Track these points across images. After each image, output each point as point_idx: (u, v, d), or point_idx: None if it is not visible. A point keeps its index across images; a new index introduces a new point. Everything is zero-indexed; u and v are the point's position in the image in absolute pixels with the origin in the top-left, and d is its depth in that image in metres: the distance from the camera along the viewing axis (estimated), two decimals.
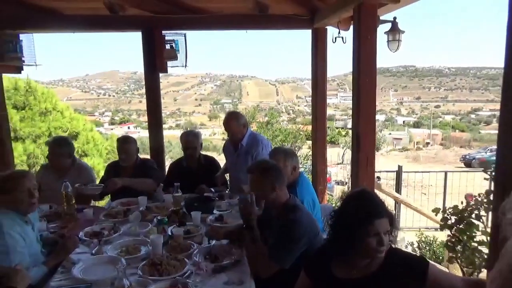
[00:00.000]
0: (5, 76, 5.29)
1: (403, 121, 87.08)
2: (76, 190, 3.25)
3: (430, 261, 1.62)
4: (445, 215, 2.02)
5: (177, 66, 4.33)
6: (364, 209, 1.63)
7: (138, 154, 3.78)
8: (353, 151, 3.27)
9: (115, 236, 2.67)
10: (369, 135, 3.07)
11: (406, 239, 6.56)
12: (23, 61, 4.10)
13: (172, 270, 2.11)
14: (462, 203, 2.04)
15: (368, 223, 1.59)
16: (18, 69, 4.27)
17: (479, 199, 1.95)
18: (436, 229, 6.62)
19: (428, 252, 5.90)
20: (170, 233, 2.60)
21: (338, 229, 1.70)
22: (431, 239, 6.08)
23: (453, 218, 2.03)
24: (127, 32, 4.57)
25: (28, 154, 8.11)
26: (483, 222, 1.95)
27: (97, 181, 3.87)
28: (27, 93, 9.01)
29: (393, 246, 1.72)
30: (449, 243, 2.03)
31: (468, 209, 1.96)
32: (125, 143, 3.67)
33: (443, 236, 6.03)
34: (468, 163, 26.80)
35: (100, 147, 9.73)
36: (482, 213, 1.95)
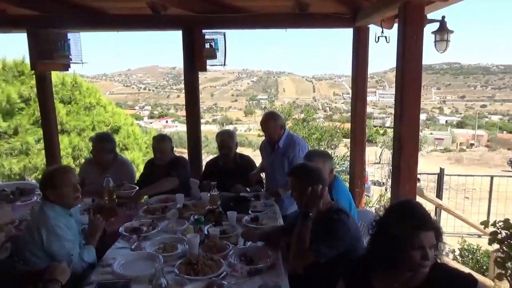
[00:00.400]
0: (54, 72, 5.54)
1: (446, 121, 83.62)
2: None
3: (479, 280, 1.52)
4: (495, 228, 1.90)
5: (216, 65, 4.36)
6: (410, 221, 1.55)
7: (173, 151, 3.82)
8: (394, 156, 3.17)
9: (153, 232, 2.73)
10: (412, 139, 2.95)
11: (447, 246, 6.29)
12: (70, 59, 4.27)
13: (208, 271, 2.13)
14: None
15: (413, 235, 1.52)
16: (66, 67, 4.46)
17: None
18: (479, 236, 6.30)
19: (471, 261, 5.63)
20: (206, 232, 2.62)
21: (380, 240, 1.63)
22: (474, 247, 5.79)
23: (503, 232, 1.91)
24: (168, 31, 4.64)
25: (73, 147, 8.50)
26: None
27: (137, 175, 3.99)
28: (73, 88, 9.44)
29: (438, 261, 1.63)
30: (498, 259, 1.90)
31: None
32: (159, 142, 3.72)
33: (487, 244, 5.75)
34: None
35: (140, 141, 10.04)
36: None
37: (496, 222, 1.93)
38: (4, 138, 8.28)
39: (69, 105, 9.22)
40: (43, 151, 6.26)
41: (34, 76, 4.95)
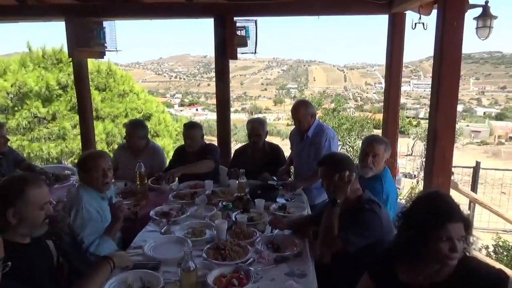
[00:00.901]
0: (89, 59, 5.72)
1: (484, 112, 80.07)
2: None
3: (510, 278, 1.46)
4: None
5: (247, 53, 4.35)
6: (438, 211, 1.50)
7: (204, 138, 3.86)
8: (428, 147, 3.07)
9: (182, 217, 2.79)
10: (448, 130, 2.85)
11: (480, 242, 6.08)
12: (106, 47, 4.39)
13: (235, 256, 2.16)
14: None
15: (441, 226, 1.47)
16: (101, 54, 4.59)
17: None
18: None
19: (505, 258, 5.42)
20: (234, 219, 2.65)
21: (407, 231, 1.59)
22: (510, 244, 5.56)
23: None
24: (200, 18, 4.66)
25: (107, 133, 8.79)
26: None
27: (167, 162, 4.08)
28: (108, 75, 9.72)
29: (467, 254, 1.58)
30: None
31: None
32: (190, 129, 3.76)
33: None
34: None
35: (170, 129, 10.26)
36: None
37: None
38: (43, 124, 8.67)
39: (104, 92, 9.52)
40: (79, 137, 6.51)
41: (71, 63, 5.12)
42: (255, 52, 4.31)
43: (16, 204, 1.67)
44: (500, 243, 5.69)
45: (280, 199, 3.17)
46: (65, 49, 5.74)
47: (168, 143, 9.44)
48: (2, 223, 1.66)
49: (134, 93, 9.95)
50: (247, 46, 4.24)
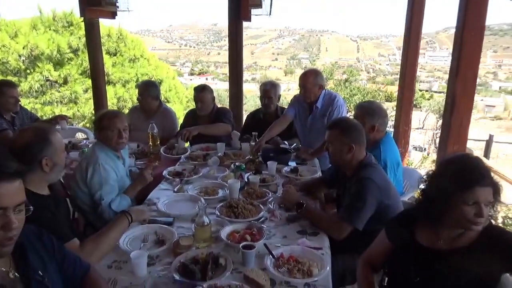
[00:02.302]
0: (100, 23, 5.65)
1: (499, 87, 78.00)
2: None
3: None
4: None
5: (261, 15, 4.24)
6: (466, 173, 1.43)
7: (215, 101, 3.84)
8: (445, 114, 3.01)
9: (195, 177, 2.82)
10: (467, 97, 2.78)
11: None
12: (117, 7, 4.31)
13: (248, 214, 2.18)
14: None
15: (467, 188, 1.40)
16: (113, 14, 4.52)
17: None
18: None
19: None
20: (246, 180, 2.67)
21: (432, 193, 1.52)
22: None
23: None
24: None
25: (118, 97, 8.80)
26: None
27: (179, 126, 4.07)
28: (119, 40, 9.63)
29: (492, 222, 1.54)
30: None
31: None
32: (201, 91, 3.73)
33: None
34: None
35: (181, 95, 10.23)
36: None
37: None
38: (55, 87, 8.70)
39: (115, 56, 9.47)
40: (91, 101, 6.53)
41: (83, 24, 5.06)
42: (270, 14, 4.20)
43: (47, 154, 1.76)
44: (510, 215, 5.69)
45: (292, 162, 3.17)
46: (76, 12, 5.68)
47: (178, 109, 9.44)
48: (30, 173, 1.73)
49: (145, 59, 9.88)
50: (261, 7, 4.13)
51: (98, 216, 2.42)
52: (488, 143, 7.41)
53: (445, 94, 3.00)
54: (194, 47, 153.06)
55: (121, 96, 8.85)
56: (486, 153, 7.40)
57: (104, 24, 10.36)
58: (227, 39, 4.56)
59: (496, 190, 1.43)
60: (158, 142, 3.32)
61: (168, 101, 9.75)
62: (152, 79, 9.52)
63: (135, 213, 2.01)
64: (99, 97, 5.51)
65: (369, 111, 2.79)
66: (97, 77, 5.35)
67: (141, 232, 2.03)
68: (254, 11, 4.16)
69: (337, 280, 2.05)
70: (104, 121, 2.52)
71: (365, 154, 2.26)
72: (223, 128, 3.65)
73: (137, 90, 3.99)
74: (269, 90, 3.76)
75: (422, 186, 1.60)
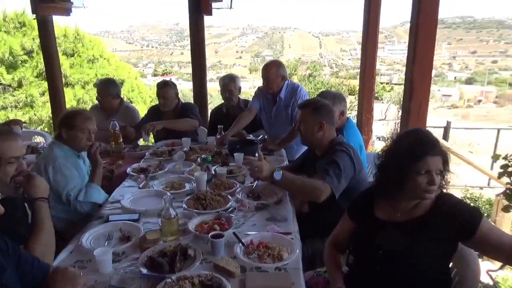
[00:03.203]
0: (55, 24, 5.40)
1: (455, 77, 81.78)
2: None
3: (484, 215, 1.50)
4: (506, 161, 1.88)
5: (222, 8, 4.20)
6: (417, 145, 1.51)
7: (178, 97, 3.77)
8: (404, 99, 3.09)
9: (161, 173, 2.76)
10: (424, 81, 2.87)
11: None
12: (72, 3, 4.14)
13: (216, 205, 2.16)
14: None
15: (419, 159, 1.48)
16: (67, 11, 4.33)
17: None
18: (481, 188, 6.34)
19: None
20: (213, 172, 2.64)
21: (387, 167, 1.60)
22: (477, 196, 5.84)
23: None
24: None
25: (77, 100, 8.48)
26: None
27: None
28: (76, 40, 9.28)
29: (444, 191, 1.62)
30: (507, 191, 1.89)
31: None
32: (163, 87, 3.65)
33: (489, 194, 5.79)
34: None
35: (145, 95, 9.99)
36: None
37: (508, 155, 1.90)
38: (8, 91, 8.26)
39: (72, 57, 9.11)
40: (48, 104, 6.25)
41: (36, 24, 4.82)
42: (231, 7, 4.17)
43: None
44: (468, 195, 5.98)
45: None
46: (28, 11, 5.39)
47: (143, 110, 9.20)
48: None
49: (105, 59, 9.57)
50: (222, 0, 4.09)
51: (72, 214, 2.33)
52: (446, 129, 7.78)
53: (404, 81, 3.08)
54: (156, 48, 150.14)
55: (81, 98, 8.52)
56: (445, 138, 7.74)
57: (60, 24, 10.00)
58: (189, 37, 4.48)
59: (445, 159, 1.51)
60: (121, 140, 3.22)
61: (131, 102, 9.49)
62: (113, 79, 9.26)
63: (45, 192, 1.74)
64: (56, 100, 5.28)
65: (335, 97, 2.85)
66: (54, 79, 5.11)
67: (105, 230, 1.96)
68: (214, 5, 4.12)
69: (308, 264, 2.07)
70: (77, 121, 2.39)
71: (336, 135, 2.32)
72: (190, 123, 3.59)
73: (95, 90, 3.85)
74: (228, 83, 3.75)
75: (378, 162, 1.66)
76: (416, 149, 1.50)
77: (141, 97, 9.84)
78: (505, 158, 1.92)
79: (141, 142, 3.88)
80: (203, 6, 4.03)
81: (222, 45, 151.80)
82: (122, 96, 3.96)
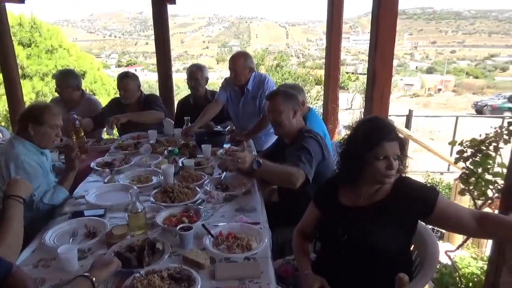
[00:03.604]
0: (9, 12, 5.08)
1: (416, 67, 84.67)
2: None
3: (440, 192, 1.58)
4: (462, 147, 1.98)
5: None
6: (374, 132, 1.58)
7: (141, 89, 3.68)
8: (367, 87, 3.17)
9: (127, 166, 2.70)
10: (386, 70, 2.94)
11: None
12: None
13: (184, 198, 2.14)
14: (480, 135, 1.99)
15: (377, 145, 1.54)
16: None
17: (499, 131, 1.89)
18: (442, 173, 6.65)
19: None
20: (181, 164, 2.61)
21: (347, 155, 1.67)
22: (438, 180, 6.12)
23: (469, 151, 1.99)
24: None
25: (36, 92, 8.10)
26: (500, 155, 1.91)
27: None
28: (32, 29, 8.81)
29: (403, 175, 1.68)
30: (463, 175, 2.00)
31: (487, 141, 1.91)
32: (123, 78, 3.53)
33: (449, 178, 6.08)
34: (480, 110, 26.40)
35: (108, 87, 9.67)
36: (501, 145, 1.89)
37: (463, 141, 2.00)
38: None
39: (29, 48, 8.66)
40: (4, 97, 5.92)
41: None
42: None
43: None
44: (429, 180, 6.26)
45: (227, 145, 3.16)
46: None
47: (106, 102, 8.93)
48: None
49: (65, 49, 9.14)
50: None
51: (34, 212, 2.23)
52: (408, 117, 8.07)
53: (367, 69, 3.16)
54: (119, 37, 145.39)
55: (40, 91, 8.13)
56: (408, 126, 8.03)
57: (14, 13, 9.44)
58: (153, 27, 4.36)
59: (401, 144, 1.58)
60: (82, 134, 3.08)
61: (94, 94, 9.17)
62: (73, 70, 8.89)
63: (23, 191, 1.70)
64: (13, 92, 5.00)
65: (293, 88, 2.88)
66: (9, 70, 4.84)
67: (69, 227, 1.90)
68: None
69: (277, 253, 2.11)
70: (46, 116, 2.26)
71: (304, 123, 2.38)
72: (155, 115, 3.52)
73: (54, 81, 3.69)
74: (195, 71, 3.70)
75: (339, 150, 1.71)
76: (373, 136, 1.56)
77: (104, 89, 9.52)
78: (461, 144, 2.02)
79: (105, 135, 3.77)
80: None
81: (188, 34, 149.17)
82: (83, 88, 3.82)
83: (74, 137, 3.05)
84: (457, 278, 2.19)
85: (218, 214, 2.05)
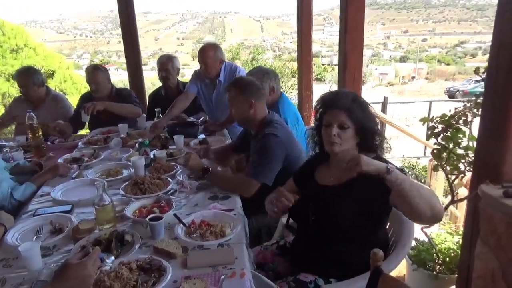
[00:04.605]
0: None
1: (390, 56, 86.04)
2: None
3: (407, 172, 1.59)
4: (433, 123, 1.98)
5: None
6: (323, 101, 1.64)
7: (113, 84, 3.56)
8: (339, 71, 3.16)
9: (96, 161, 2.60)
10: (356, 52, 2.93)
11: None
12: None
13: (156, 189, 2.07)
14: (450, 111, 2.00)
15: (323, 113, 1.60)
16: None
17: (468, 104, 1.90)
18: (418, 158, 6.79)
19: (411, 176, 6.08)
20: (152, 156, 2.53)
21: (315, 132, 1.72)
22: (414, 164, 6.23)
23: (439, 127, 1.99)
24: None
25: (2, 94, 7.78)
26: (470, 128, 1.92)
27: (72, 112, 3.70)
28: None
29: (379, 155, 1.66)
30: (435, 151, 2.00)
31: (456, 116, 1.92)
32: (92, 72, 3.41)
33: (425, 162, 6.20)
34: (452, 95, 27.14)
35: (79, 85, 9.39)
36: (470, 118, 1.91)
37: (434, 117, 2.01)
38: None
39: None
40: None
41: None
42: None
43: None
44: (406, 164, 6.37)
45: (201, 135, 3.09)
46: None
47: (77, 101, 8.67)
48: None
49: (31, 48, 8.80)
50: None
51: None
52: (384, 104, 8.20)
53: (338, 54, 3.14)
54: (91, 37, 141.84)
55: (6, 92, 7.81)
56: (383, 113, 8.13)
57: None
58: (119, 22, 4.23)
59: (349, 113, 1.55)
60: (40, 134, 2.85)
61: (65, 93, 8.88)
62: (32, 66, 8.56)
63: (6, 221, 1.78)
64: None
65: (264, 74, 2.83)
66: None
67: (34, 225, 1.81)
68: None
69: (254, 238, 2.08)
70: None
71: (268, 112, 2.29)
72: (134, 110, 3.42)
73: (16, 81, 3.51)
74: (165, 62, 3.60)
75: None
76: (321, 105, 1.63)
77: (75, 88, 9.23)
78: (432, 120, 2.02)
79: None
80: None
81: (162, 31, 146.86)
82: (53, 87, 3.66)
83: (31, 136, 2.86)
84: (434, 254, 2.21)
85: (191, 203, 1.99)
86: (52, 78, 8.92)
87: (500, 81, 1.47)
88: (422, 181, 5.82)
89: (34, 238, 1.69)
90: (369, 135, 1.61)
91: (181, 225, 1.70)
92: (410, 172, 6.10)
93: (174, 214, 1.76)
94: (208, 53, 3.24)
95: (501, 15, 1.46)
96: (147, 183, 2.09)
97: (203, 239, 1.62)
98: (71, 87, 9.13)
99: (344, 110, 1.55)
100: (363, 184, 1.52)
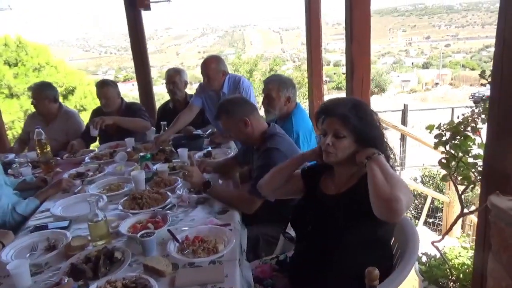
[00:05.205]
0: None
1: (412, 63, 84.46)
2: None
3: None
4: (440, 131, 1.87)
5: (160, 1, 4.04)
6: (321, 109, 1.58)
7: (123, 98, 3.59)
8: (347, 79, 3.07)
9: (99, 176, 2.60)
10: (363, 59, 2.85)
11: (410, 175, 6.52)
12: None
13: (153, 203, 2.04)
14: (458, 117, 1.88)
15: (320, 122, 1.56)
16: None
17: (477, 110, 1.78)
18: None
19: (431, 186, 5.87)
20: (155, 170, 2.51)
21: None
22: (435, 173, 6.02)
23: (447, 134, 1.88)
24: None
25: (24, 111, 8.04)
26: (480, 136, 1.80)
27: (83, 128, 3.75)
28: (18, 48, 8.80)
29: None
30: (443, 160, 1.88)
31: (464, 122, 1.80)
32: (102, 87, 3.45)
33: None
34: (478, 100, 26.07)
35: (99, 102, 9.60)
36: (480, 125, 1.79)
37: (441, 124, 1.89)
38: None
39: (16, 67, 8.63)
40: None
41: None
42: (169, 0, 4.01)
43: None
44: (426, 173, 6.15)
45: (207, 148, 3.06)
46: None
47: None
48: None
49: (52, 66, 9.11)
50: None
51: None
52: (404, 111, 8.03)
53: (345, 61, 3.06)
54: (115, 54, 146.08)
55: (28, 109, 8.07)
56: (404, 120, 7.98)
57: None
58: (128, 35, 4.30)
59: (344, 120, 1.48)
60: (48, 149, 2.88)
61: (84, 109, 9.11)
62: (62, 91, 8.79)
63: (4, 238, 1.80)
64: None
65: (281, 83, 2.80)
66: None
67: (30, 241, 1.80)
68: None
69: (254, 253, 2.04)
70: None
71: (267, 125, 2.23)
72: (143, 124, 3.44)
73: (30, 93, 3.60)
74: (172, 75, 3.61)
75: None
76: (321, 113, 1.57)
77: (95, 104, 9.44)
78: (439, 127, 1.91)
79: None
80: (139, 0, 3.85)
81: (183, 46, 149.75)
82: (75, 105, 3.74)
83: (39, 152, 2.88)
84: (447, 270, 2.07)
85: (188, 218, 1.95)
86: (73, 94, 9.18)
87: (505, 83, 1.37)
88: (443, 190, 5.61)
89: (28, 255, 1.68)
90: (371, 144, 1.51)
91: (174, 241, 1.65)
92: (430, 182, 5.89)
93: (168, 230, 1.72)
94: (210, 65, 3.23)
95: (502, 14, 1.37)
96: (145, 197, 2.06)
97: (194, 255, 1.56)
98: (91, 102, 9.35)
99: (339, 118, 1.49)
100: (358, 195, 1.45)
